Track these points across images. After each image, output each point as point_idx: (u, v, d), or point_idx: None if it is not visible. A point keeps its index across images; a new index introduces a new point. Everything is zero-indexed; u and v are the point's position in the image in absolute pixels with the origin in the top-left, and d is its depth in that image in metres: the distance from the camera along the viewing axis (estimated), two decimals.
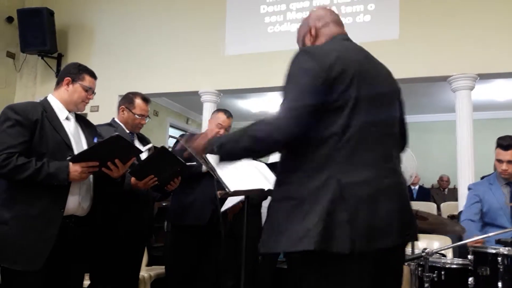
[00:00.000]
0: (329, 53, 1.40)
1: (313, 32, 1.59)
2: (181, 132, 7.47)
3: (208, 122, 3.15)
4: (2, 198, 1.92)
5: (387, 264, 1.41)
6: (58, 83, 2.13)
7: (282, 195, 1.40)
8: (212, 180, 2.81)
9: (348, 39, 1.57)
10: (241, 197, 2.81)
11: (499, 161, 2.74)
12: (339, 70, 1.36)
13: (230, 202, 2.81)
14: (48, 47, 5.38)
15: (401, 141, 1.58)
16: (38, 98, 5.07)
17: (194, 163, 2.67)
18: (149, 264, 3.59)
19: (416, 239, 1.55)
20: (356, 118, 1.36)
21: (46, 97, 2.11)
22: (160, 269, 3.47)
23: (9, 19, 5.67)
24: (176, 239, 2.94)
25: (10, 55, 5.80)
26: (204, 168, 2.84)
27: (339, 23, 1.61)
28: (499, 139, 2.75)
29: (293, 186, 1.37)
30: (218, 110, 3.15)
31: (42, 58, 5.66)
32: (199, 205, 2.84)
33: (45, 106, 2.03)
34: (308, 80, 1.35)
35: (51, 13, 5.43)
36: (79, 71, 2.13)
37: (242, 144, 1.40)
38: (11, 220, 1.85)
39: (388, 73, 1.56)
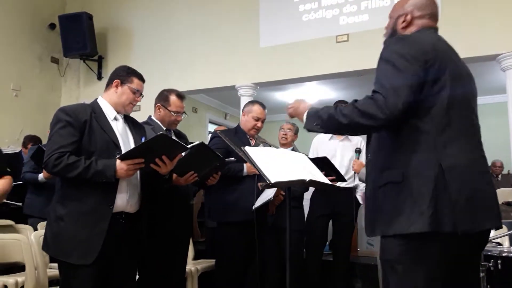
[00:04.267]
0: (424, 42, 1.49)
1: (408, 18, 1.63)
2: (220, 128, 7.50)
3: (242, 115, 3.11)
4: (58, 195, 2.04)
5: (476, 247, 1.54)
6: (108, 85, 2.21)
7: (386, 179, 1.48)
8: (253, 176, 2.82)
9: (434, 33, 1.62)
10: (273, 193, 2.78)
11: None
12: (433, 57, 1.44)
13: (262, 198, 2.79)
14: (88, 50, 5.57)
15: None
16: (82, 101, 5.30)
17: (233, 158, 2.67)
18: (195, 258, 3.65)
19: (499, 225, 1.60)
20: (454, 106, 1.45)
21: (96, 99, 2.19)
22: (206, 263, 3.52)
23: (52, 26, 5.91)
24: (224, 236, 2.95)
25: (54, 60, 6.06)
26: (245, 171, 2.86)
27: (435, 17, 1.66)
28: None
29: (396, 170, 1.45)
30: (253, 102, 3.11)
31: (84, 61, 5.86)
32: (243, 201, 2.84)
33: (94, 107, 2.12)
34: (407, 64, 1.42)
35: (90, 17, 5.61)
36: (128, 74, 2.19)
37: (342, 116, 1.47)
38: (65, 216, 1.96)
39: (467, 67, 1.62)
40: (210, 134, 7.88)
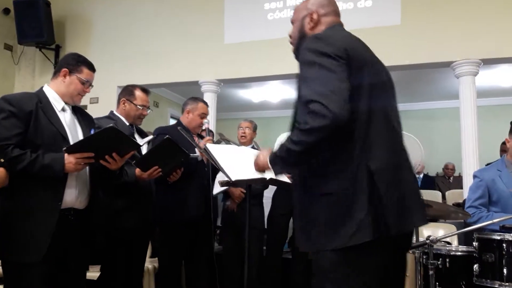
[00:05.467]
0: (340, 39, 1.44)
1: (314, 17, 1.59)
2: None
3: (186, 112, 3.04)
4: (3, 190, 1.90)
5: (405, 247, 1.58)
6: (55, 74, 2.10)
7: (320, 190, 1.40)
8: (201, 173, 2.78)
9: (344, 29, 1.59)
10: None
11: None
12: (352, 55, 1.38)
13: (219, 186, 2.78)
14: (45, 38, 5.32)
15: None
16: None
17: (197, 154, 2.65)
18: (152, 255, 3.58)
19: (426, 222, 1.60)
20: (373, 105, 1.40)
21: (42, 87, 2.07)
22: None
23: (6, 11, 5.60)
24: (170, 235, 2.88)
25: (8, 47, 5.75)
26: (198, 155, 2.80)
27: (338, 14, 1.64)
28: None
29: (329, 180, 1.38)
30: (196, 99, 3.06)
31: (40, 50, 5.61)
32: (193, 199, 2.81)
33: (40, 97, 1.99)
34: (335, 63, 1.35)
35: (47, 4, 5.35)
36: (77, 63, 2.09)
37: (294, 144, 1.36)
38: (11, 212, 1.86)
39: (381, 63, 1.56)
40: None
